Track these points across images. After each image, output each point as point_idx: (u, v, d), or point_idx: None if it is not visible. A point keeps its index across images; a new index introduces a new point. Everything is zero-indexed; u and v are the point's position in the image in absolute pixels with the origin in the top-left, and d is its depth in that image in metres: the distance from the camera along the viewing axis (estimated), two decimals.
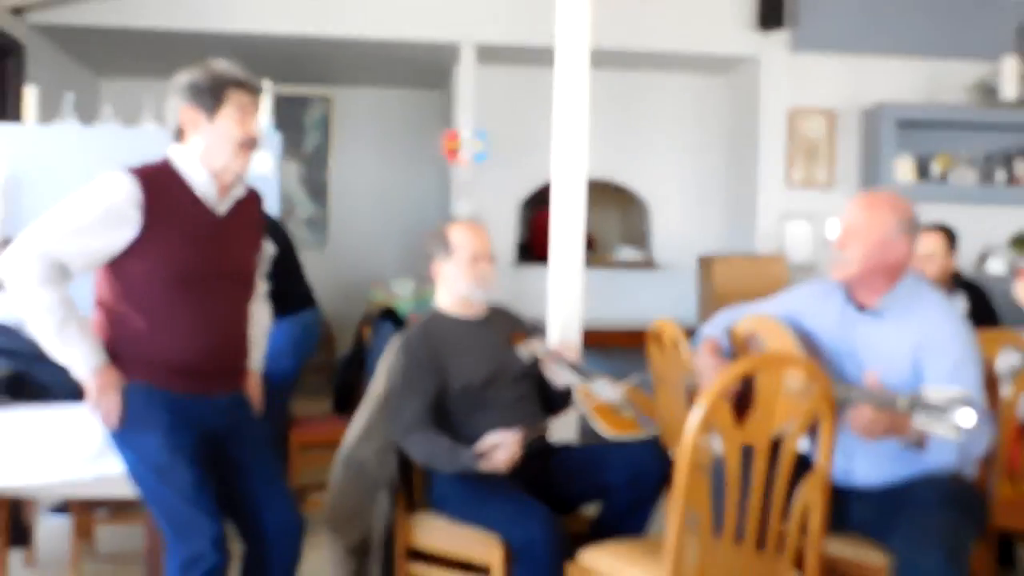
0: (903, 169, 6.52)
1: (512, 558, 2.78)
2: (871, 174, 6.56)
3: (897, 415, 2.47)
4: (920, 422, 2.38)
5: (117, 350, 2.57)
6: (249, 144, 2.62)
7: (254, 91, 2.63)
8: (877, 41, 6.63)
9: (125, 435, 2.56)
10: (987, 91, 6.54)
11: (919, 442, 2.63)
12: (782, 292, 3.12)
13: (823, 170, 6.71)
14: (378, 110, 8.12)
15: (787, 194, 6.72)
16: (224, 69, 2.64)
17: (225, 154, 2.60)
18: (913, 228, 2.76)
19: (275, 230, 4.13)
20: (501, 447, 2.81)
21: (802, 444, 2.59)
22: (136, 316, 2.55)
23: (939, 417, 2.38)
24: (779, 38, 6.59)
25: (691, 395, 3.11)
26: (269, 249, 2.91)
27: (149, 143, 4.01)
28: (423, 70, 7.31)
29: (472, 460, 2.83)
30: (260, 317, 2.90)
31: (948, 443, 2.59)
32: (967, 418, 2.34)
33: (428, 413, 2.98)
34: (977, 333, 2.79)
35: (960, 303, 4.37)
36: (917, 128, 6.58)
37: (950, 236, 4.41)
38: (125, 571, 3.80)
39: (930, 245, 4.34)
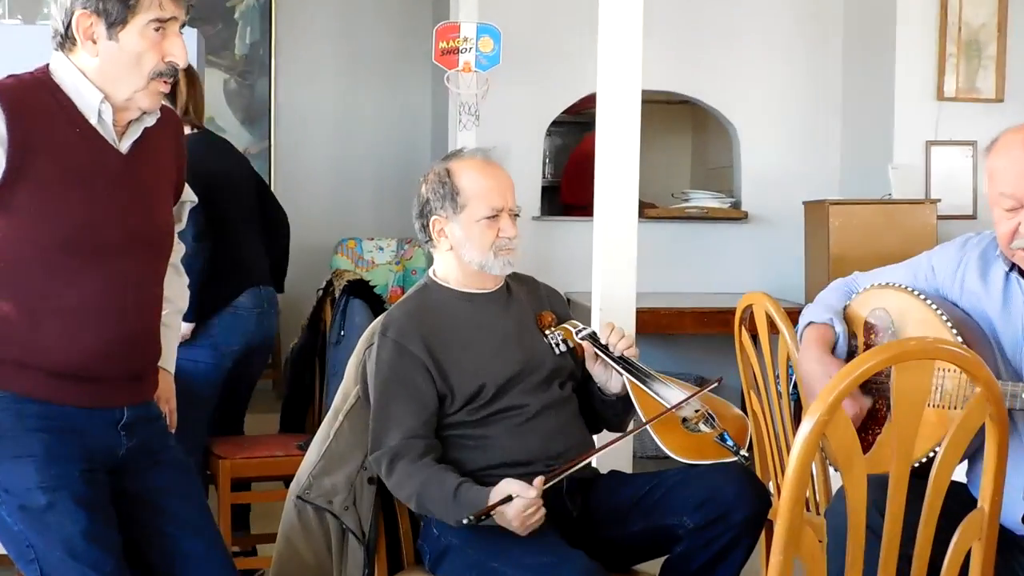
0: None
1: None
2: None
3: None
4: None
5: None
6: (167, 73, 2.40)
7: (180, 1, 2.42)
8: None
9: None
10: None
11: None
12: (920, 256, 2.81)
13: (991, 75, 5.81)
14: None
15: (937, 112, 5.71)
16: None
17: (131, 82, 2.36)
18: None
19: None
20: (518, 510, 2.42)
21: (960, 473, 2.33)
22: None
23: None
24: None
25: (797, 404, 2.97)
26: (190, 197, 2.66)
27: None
28: None
29: (478, 512, 2.43)
30: (174, 293, 2.66)
31: None
32: None
33: (421, 432, 2.65)
34: None
35: None
36: None
37: None
38: None
39: None
